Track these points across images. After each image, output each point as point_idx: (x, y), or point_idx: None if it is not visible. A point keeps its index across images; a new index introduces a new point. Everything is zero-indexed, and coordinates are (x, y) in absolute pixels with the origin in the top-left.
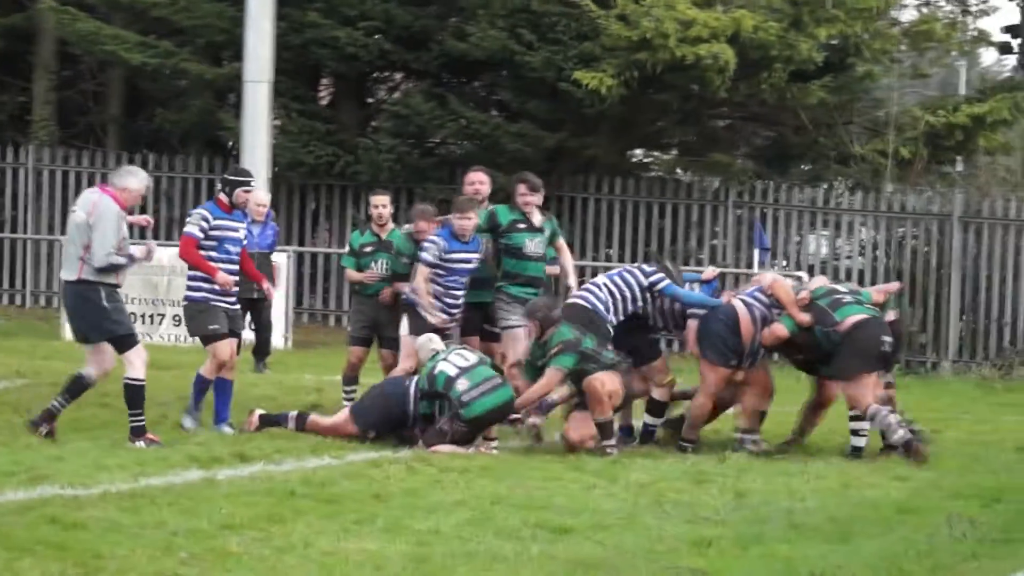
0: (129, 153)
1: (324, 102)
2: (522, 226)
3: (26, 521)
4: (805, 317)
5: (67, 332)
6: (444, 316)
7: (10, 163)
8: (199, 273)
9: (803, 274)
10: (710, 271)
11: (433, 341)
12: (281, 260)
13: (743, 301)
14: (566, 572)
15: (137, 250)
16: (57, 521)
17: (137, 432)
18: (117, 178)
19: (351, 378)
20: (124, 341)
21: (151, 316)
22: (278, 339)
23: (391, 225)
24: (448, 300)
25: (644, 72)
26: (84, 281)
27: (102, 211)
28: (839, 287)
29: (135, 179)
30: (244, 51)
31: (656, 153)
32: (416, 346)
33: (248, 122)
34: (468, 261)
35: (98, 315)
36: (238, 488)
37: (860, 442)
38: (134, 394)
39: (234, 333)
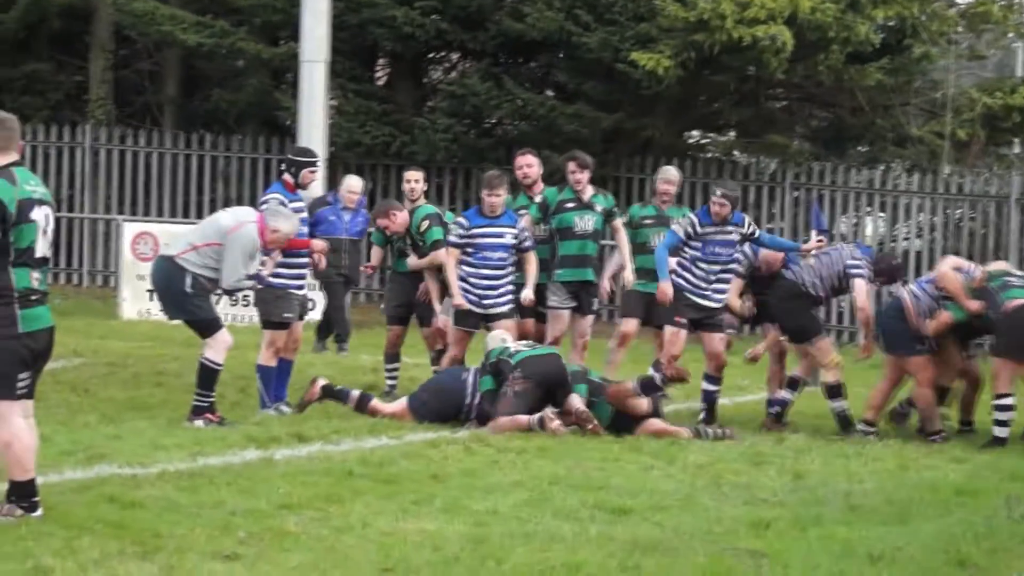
0: (185, 133)
1: (380, 82)
2: (571, 204)
3: (85, 500)
4: (975, 305)
5: (125, 311)
6: (462, 300)
7: (67, 142)
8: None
9: None
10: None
11: (506, 340)
12: None
13: (911, 292)
14: (624, 553)
15: (265, 269)
16: (115, 500)
17: (198, 411)
18: (272, 216)
19: (391, 356)
20: (207, 325)
21: None
22: None
23: (423, 201)
24: (481, 279)
25: (701, 53)
26: (175, 262)
27: (244, 240)
28: (1015, 271)
29: (288, 224)
30: (301, 31)
31: (713, 134)
32: (488, 338)
33: (305, 102)
34: (500, 236)
35: (180, 297)
36: (296, 468)
37: (1002, 432)
38: (207, 375)
39: (300, 316)
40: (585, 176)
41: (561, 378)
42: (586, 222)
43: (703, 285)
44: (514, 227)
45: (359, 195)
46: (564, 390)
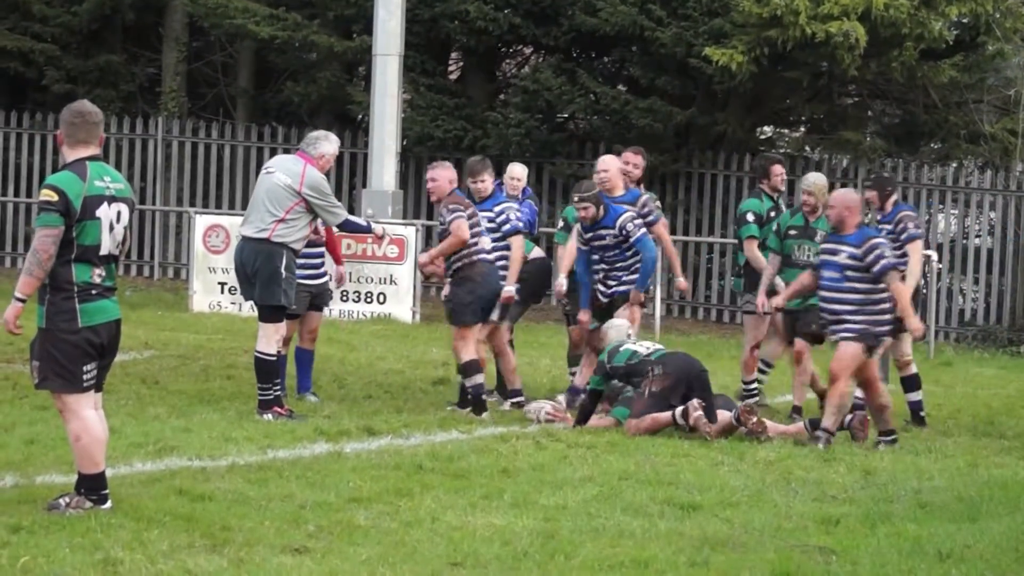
0: (258, 125)
1: (453, 76)
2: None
3: (154, 492)
4: None
5: (196, 304)
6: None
7: (139, 134)
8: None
9: (932, 253)
10: None
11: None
12: (409, 234)
13: None
14: (693, 549)
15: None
16: (185, 493)
17: (265, 405)
18: (311, 146)
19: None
20: (273, 312)
21: None
22: (406, 313)
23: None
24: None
25: (774, 49)
26: (272, 242)
27: (316, 182)
28: None
29: (329, 144)
30: (374, 24)
31: (785, 130)
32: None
33: (378, 96)
34: (490, 220)
35: (272, 278)
36: (365, 462)
37: None
38: (263, 368)
39: (318, 307)
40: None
41: (699, 375)
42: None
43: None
44: (501, 207)
45: (522, 182)
46: (701, 387)
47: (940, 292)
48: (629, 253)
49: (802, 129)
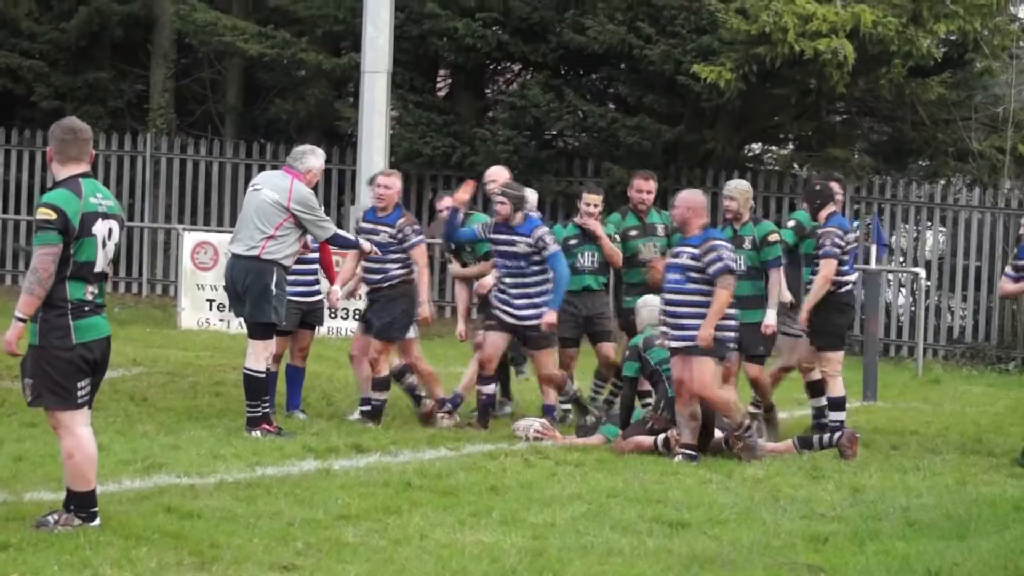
0: (246, 142)
1: (441, 93)
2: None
3: (142, 510)
4: None
5: (184, 321)
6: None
7: (128, 151)
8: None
9: (920, 270)
10: None
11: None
12: None
13: None
14: (682, 566)
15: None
16: (173, 510)
17: (253, 422)
18: (297, 161)
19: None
20: (263, 329)
21: None
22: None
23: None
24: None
25: (763, 66)
26: (262, 259)
27: (304, 197)
28: None
29: (316, 158)
30: (362, 41)
31: (773, 147)
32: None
33: (366, 112)
34: (391, 236)
35: (263, 295)
36: (354, 479)
37: None
38: (252, 385)
39: (310, 325)
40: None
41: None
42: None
43: (502, 296)
44: (392, 226)
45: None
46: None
47: (928, 310)
48: (536, 268)
49: (790, 146)
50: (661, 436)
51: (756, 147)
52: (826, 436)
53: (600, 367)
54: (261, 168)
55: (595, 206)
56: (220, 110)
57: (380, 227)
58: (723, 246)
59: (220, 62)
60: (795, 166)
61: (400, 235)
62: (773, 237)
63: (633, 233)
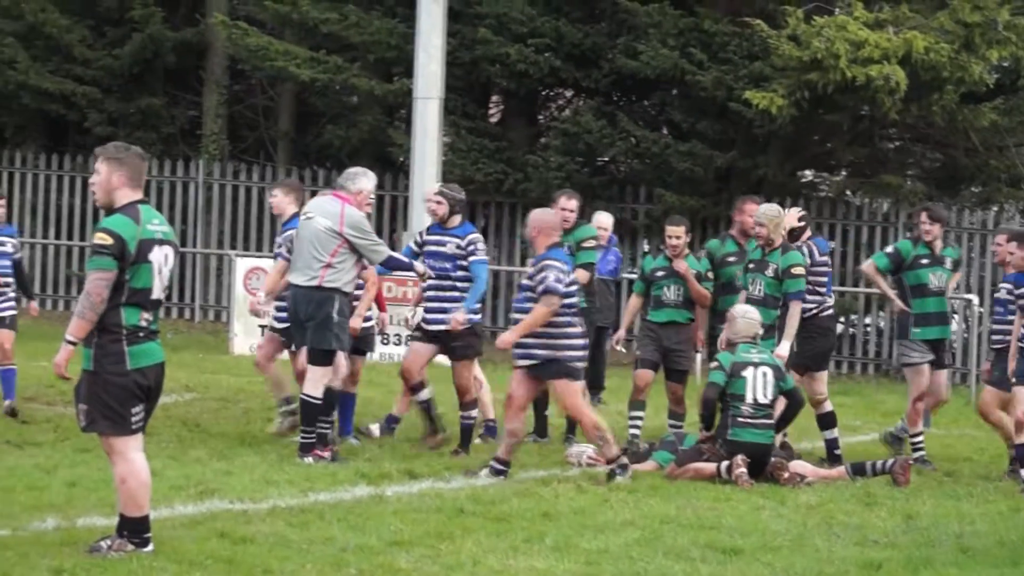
0: (299, 168)
1: (494, 119)
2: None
3: (195, 535)
4: None
5: (236, 346)
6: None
7: (180, 177)
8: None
9: (973, 296)
10: None
11: (756, 324)
12: None
13: None
14: None
15: None
16: (226, 535)
17: (306, 448)
18: (348, 181)
19: (637, 403)
20: (324, 356)
21: None
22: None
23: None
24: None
25: (815, 92)
26: (323, 288)
27: (356, 220)
28: None
29: (367, 180)
30: (415, 67)
31: (825, 174)
32: (738, 313)
33: (418, 139)
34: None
35: (325, 323)
36: (407, 505)
37: None
38: (309, 411)
39: (362, 351)
40: (936, 229)
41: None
42: (939, 277)
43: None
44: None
45: (608, 231)
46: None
47: (982, 336)
48: (459, 274)
49: (843, 173)
50: (725, 463)
51: (808, 173)
52: (879, 463)
53: (671, 406)
54: (313, 195)
55: (677, 238)
56: (272, 136)
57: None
58: (554, 267)
59: (272, 88)
60: (848, 193)
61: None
62: (797, 270)
63: (731, 260)
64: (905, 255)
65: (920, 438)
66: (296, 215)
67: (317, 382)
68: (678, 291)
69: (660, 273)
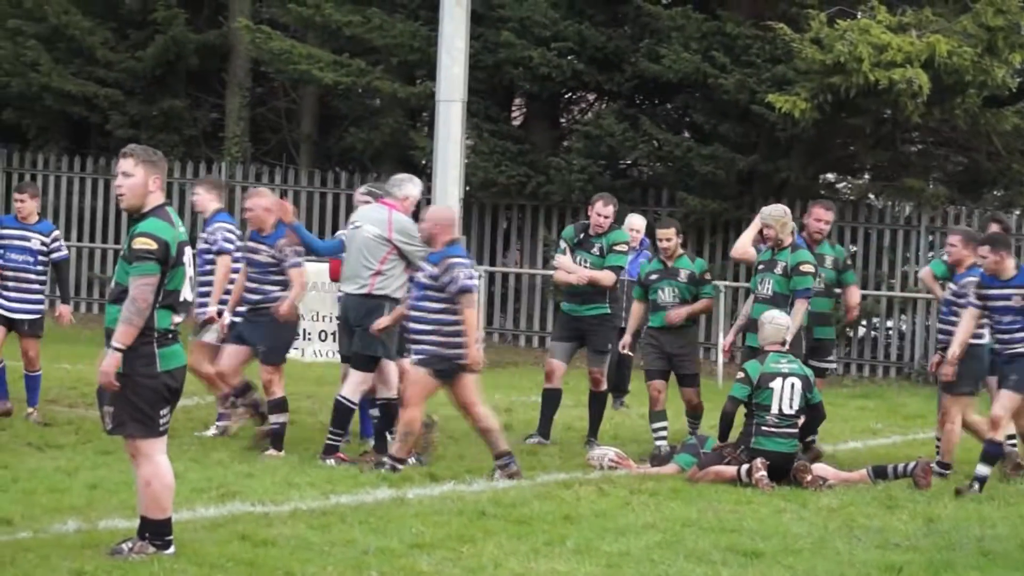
0: (321, 171)
1: (516, 122)
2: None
3: (217, 538)
4: None
5: None
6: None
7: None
8: None
9: None
10: None
11: (785, 329)
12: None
13: None
14: None
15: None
16: (247, 538)
17: (330, 450)
18: (395, 188)
19: (656, 414)
20: (368, 362)
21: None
22: None
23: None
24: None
25: (837, 96)
26: (374, 296)
27: (405, 226)
28: None
29: (414, 186)
30: (437, 70)
31: (848, 177)
32: (765, 319)
33: (441, 141)
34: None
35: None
36: (428, 507)
37: None
38: (343, 414)
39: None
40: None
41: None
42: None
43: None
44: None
45: (641, 234)
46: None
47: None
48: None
49: (866, 176)
50: (745, 466)
51: (831, 177)
52: (900, 465)
53: (688, 411)
54: (336, 197)
55: (668, 240)
56: (295, 139)
57: (261, 247)
58: (459, 264)
59: (295, 90)
60: (871, 196)
61: (280, 255)
62: (806, 268)
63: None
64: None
65: (1014, 441)
66: (219, 211)
67: (356, 387)
68: (674, 293)
69: (653, 276)
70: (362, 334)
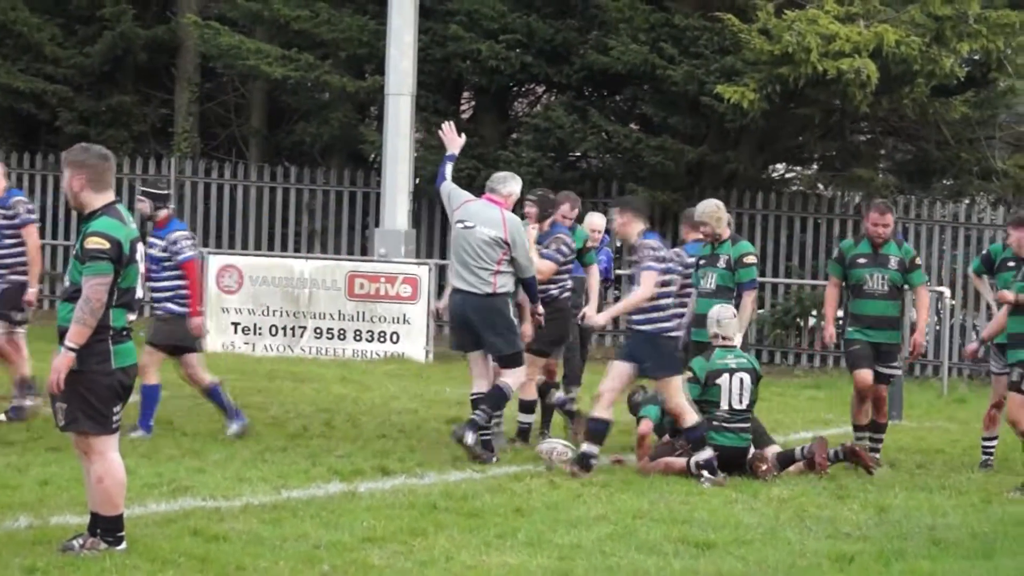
0: (271, 165)
1: (465, 115)
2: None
3: (168, 533)
4: None
5: (209, 344)
6: None
7: (152, 175)
8: None
9: (945, 289)
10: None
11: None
12: (423, 273)
13: None
14: None
15: None
16: (199, 533)
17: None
18: (500, 185)
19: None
20: (517, 358)
21: (292, 328)
22: (419, 352)
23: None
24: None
25: (786, 86)
26: (497, 295)
27: (517, 224)
28: None
29: (516, 183)
30: (386, 64)
31: (797, 168)
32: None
33: (390, 135)
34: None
35: (510, 328)
36: (380, 501)
37: None
38: (498, 398)
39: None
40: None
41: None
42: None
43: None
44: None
45: (601, 233)
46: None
47: (953, 329)
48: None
49: (814, 166)
50: (695, 457)
51: (780, 167)
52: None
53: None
54: (286, 191)
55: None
56: (244, 133)
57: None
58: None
59: (244, 85)
60: (819, 186)
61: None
62: (749, 259)
63: (861, 261)
64: (994, 256)
65: (992, 443)
66: (9, 189)
67: (519, 378)
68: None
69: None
70: (499, 336)
